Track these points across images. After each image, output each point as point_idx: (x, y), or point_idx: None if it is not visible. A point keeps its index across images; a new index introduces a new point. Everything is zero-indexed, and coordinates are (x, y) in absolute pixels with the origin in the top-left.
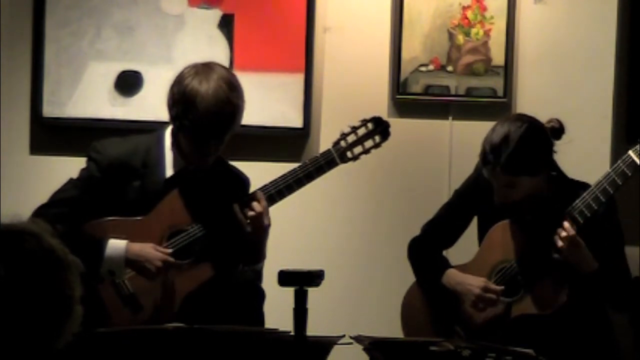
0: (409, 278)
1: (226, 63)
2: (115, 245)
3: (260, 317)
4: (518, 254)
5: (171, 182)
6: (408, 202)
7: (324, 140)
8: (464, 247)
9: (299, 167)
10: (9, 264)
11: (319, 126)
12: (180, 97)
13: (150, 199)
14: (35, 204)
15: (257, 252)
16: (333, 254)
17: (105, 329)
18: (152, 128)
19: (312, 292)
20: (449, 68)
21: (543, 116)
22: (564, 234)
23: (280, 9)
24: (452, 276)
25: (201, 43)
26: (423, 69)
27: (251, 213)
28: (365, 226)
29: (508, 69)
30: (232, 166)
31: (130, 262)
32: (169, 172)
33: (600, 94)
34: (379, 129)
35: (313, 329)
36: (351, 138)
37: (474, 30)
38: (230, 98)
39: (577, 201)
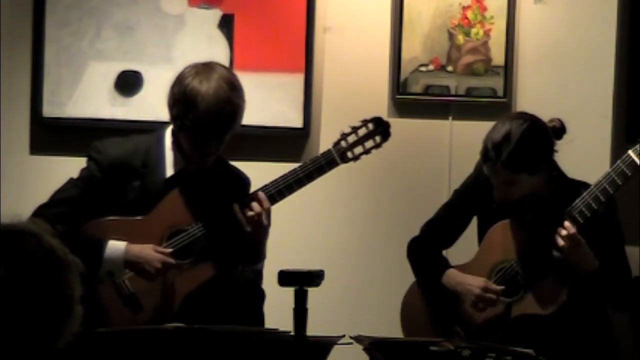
0: (409, 278)
1: (226, 63)
2: (115, 246)
3: (260, 317)
4: (518, 254)
5: (171, 182)
6: (408, 202)
7: (324, 140)
8: (464, 247)
9: (300, 167)
10: (9, 264)
11: (319, 126)
12: (181, 97)
13: (151, 198)
14: (35, 204)
15: (257, 252)
16: (333, 254)
17: (105, 329)
18: (152, 128)
19: (312, 292)
20: (449, 68)
21: (543, 116)
22: (564, 232)
23: (280, 9)
24: (452, 276)
25: (201, 43)
26: (423, 69)
27: (250, 213)
28: (365, 226)
29: (508, 69)
30: (232, 166)
31: (130, 263)
32: (169, 172)
33: (600, 94)
34: (380, 129)
35: (313, 329)
36: (352, 138)
37: (474, 30)
38: (231, 98)
39: (577, 201)
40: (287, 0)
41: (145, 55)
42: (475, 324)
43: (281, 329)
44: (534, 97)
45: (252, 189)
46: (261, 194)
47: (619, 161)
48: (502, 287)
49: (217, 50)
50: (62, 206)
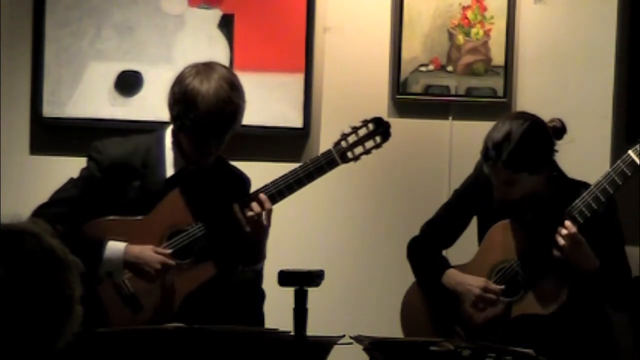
0: (409, 278)
1: (226, 63)
2: (114, 247)
3: (260, 317)
4: (518, 254)
5: (171, 182)
6: (408, 202)
7: (324, 140)
8: (464, 247)
9: (300, 167)
10: (9, 264)
11: (319, 126)
12: (181, 97)
13: (151, 198)
14: (35, 204)
15: (256, 252)
16: (333, 254)
17: (105, 329)
18: (152, 128)
19: (312, 292)
20: (449, 68)
21: (543, 116)
22: (565, 232)
23: (280, 9)
24: (452, 276)
25: (201, 43)
26: (423, 69)
27: (250, 213)
28: (365, 226)
29: (508, 69)
30: (232, 166)
31: (129, 264)
32: (170, 171)
33: (600, 94)
34: (380, 129)
35: (313, 329)
36: (352, 138)
37: (474, 30)
38: (231, 97)
39: (576, 201)
40: (287, 0)
41: (145, 55)
42: (476, 324)
43: (281, 329)
44: (534, 97)
45: (252, 189)
46: (262, 196)
47: (619, 161)
48: (502, 287)
49: (217, 50)
50: (62, 206)
